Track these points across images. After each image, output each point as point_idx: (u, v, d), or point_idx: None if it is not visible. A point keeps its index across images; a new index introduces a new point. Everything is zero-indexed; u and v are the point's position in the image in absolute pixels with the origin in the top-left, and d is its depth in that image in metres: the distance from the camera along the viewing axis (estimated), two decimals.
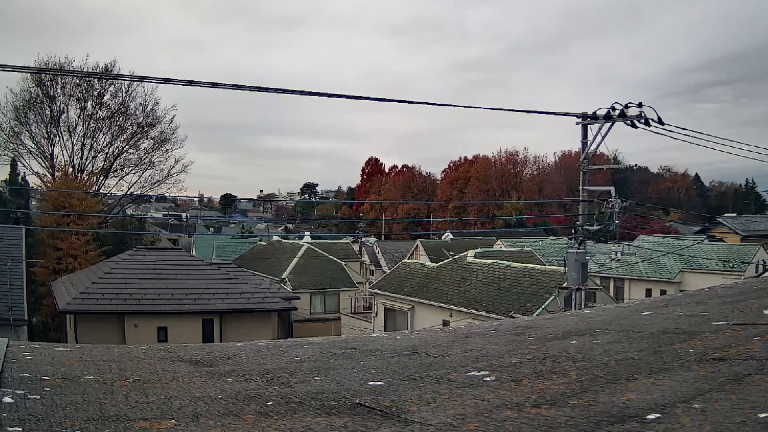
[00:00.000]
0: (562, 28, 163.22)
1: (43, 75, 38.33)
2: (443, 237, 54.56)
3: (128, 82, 40.78)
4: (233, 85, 9.44)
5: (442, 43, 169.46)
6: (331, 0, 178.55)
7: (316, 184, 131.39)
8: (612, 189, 16.95)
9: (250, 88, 9.40)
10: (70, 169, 40.82)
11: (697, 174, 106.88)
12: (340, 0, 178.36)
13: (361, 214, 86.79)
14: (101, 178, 42.97)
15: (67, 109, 41.29)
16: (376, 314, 28.42)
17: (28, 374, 3.32)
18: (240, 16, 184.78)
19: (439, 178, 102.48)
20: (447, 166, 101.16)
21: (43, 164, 41.45)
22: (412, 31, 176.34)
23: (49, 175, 40.92)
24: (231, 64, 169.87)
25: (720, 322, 5.41)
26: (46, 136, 41.06)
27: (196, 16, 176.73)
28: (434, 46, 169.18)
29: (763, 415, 2.73)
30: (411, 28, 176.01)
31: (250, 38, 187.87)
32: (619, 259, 40.78)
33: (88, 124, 41.73)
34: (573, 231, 17.37)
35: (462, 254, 28.28)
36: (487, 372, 3.83)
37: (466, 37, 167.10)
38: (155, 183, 44.49)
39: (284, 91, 9.53)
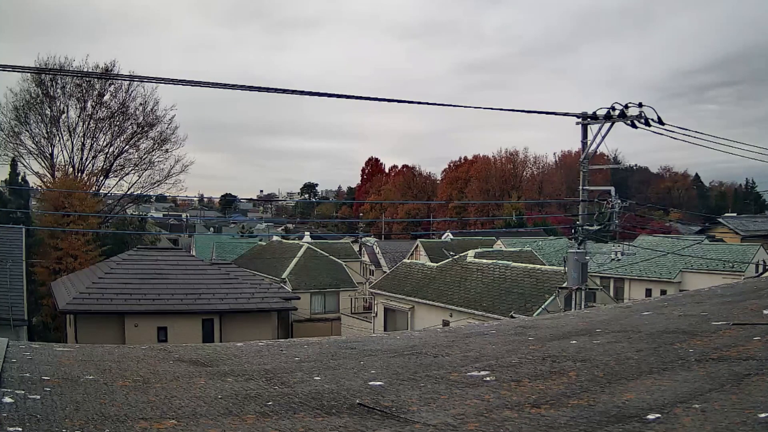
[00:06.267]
0: (572, 31, 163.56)
1: (43, 75, 38.32)
2: (443, 237, 54.53)
3: (128, 82, 40.80)
4: (233, 85, 9.43)
5: (454, 45, 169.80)
6: (345, 2, 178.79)
7: (316, 184, 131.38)
8: (612, 189, 16.94)
9: (251, 88, 9.40)
10: (70, 169, 40.80)
11: (697, 174, 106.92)
12: (355, 2, 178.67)
13: (361, 214, 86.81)
14: (101, 178, 42.96)
15: (67, 109, 41.32)
16: (376, 314, 28.41)
17: (28, 374, 3.32)
18: (254, 19, 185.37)
19: (439, 178, 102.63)
20: (447, 166, 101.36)
21: (43, 164, 41.48)
22: (425, 34, 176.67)
23: (49, 175, 40.89)
24: (243, 66, 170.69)
25: (720, 322, 5.41)
26: (46, 136, 41.06)
27: (210, 19, 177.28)
28: (446, 49, 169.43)
29: (763, 415, 2.73)
30: (424, 30, 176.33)
31: (263, 40, 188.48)
32: (619, 259, 40.80)
33: (88, 124, 41.73)
34: (573, 231, 17.36)
35: (462, 254, 28.26)
36: (487, 372, 3.83)
37: (478, 39, 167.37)
38: (155, 183, 44.50)
39: (284, 91, 9.53)
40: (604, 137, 15.52)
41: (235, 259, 40.44)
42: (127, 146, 43.39)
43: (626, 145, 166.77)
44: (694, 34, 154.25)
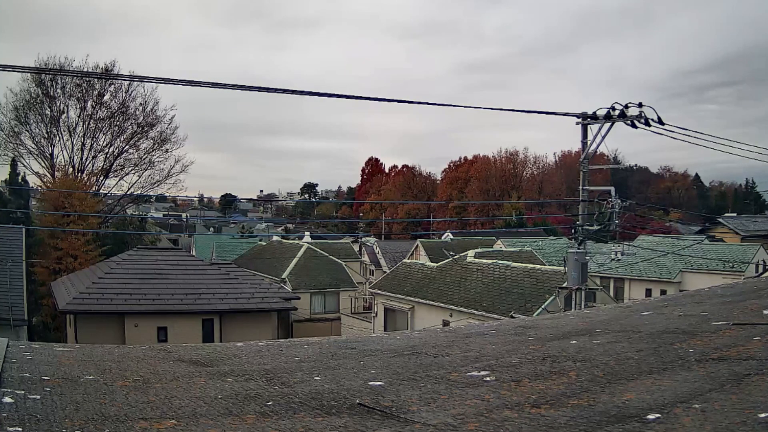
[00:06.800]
0: (572, 31, 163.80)
1: (43, 75, 38.32)
2: (443, 237, 54.53)
3: (128, 82, 40.80)
4: (233, 85, 9.43)
5: (454, 45, 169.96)
6: (345, 2, 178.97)
7: (316, 184, 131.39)
8: (612, 189, 16.94)
9: (251, 88, 9.40)
10: (70, 169, 40.81)
11: (697, 174, 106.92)
12: (355, 2, 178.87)
13: (361, 214, 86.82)
14: (101, 178, 42.97)
15: (67, 109, 41.32)
16: (376, 314, 28.41)
17: (28, 374, 3.31)
18: (254, 19, 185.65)
19: (439, 178, 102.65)
20: (447, 166, 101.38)
21: (43, 164, 41.48)
22: (425, 34, 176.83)
23: (49, 175, 40.90)
24: (243, 66, 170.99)
25: (720, 322, 5.41)
26: (46, 136, 41.07)
27: (210, 19, 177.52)
28: (446, 49, 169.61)
29: (763, 415, 2.73)
30: (424, 30, 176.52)
31: (263, 40, 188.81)
32: (619, 259, 40.79)
33: (88, 124, 41.74)
34: (573, 231, 17.36)
35: (462, 254, 28.26)
36: (487, 372, 3.83)
37: (478, 39, 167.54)
38: (155, 183, 44.51)
39: (284, 91, 9.53)
40: (604, 137, 15.53)
41: (235, 259, 40.44)
42: (127, 146, 43.44)
43: (626, 145, 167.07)
44: (694, 34, 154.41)
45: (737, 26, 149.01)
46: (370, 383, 3.56)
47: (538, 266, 25.44)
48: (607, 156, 66.42)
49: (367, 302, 36.91)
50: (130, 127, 43.32)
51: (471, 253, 28.29)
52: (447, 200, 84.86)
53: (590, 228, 16.62)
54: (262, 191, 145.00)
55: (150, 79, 11.16)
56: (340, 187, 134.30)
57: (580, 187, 16.55)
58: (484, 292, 23.58)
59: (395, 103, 10.78)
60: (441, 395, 3.29)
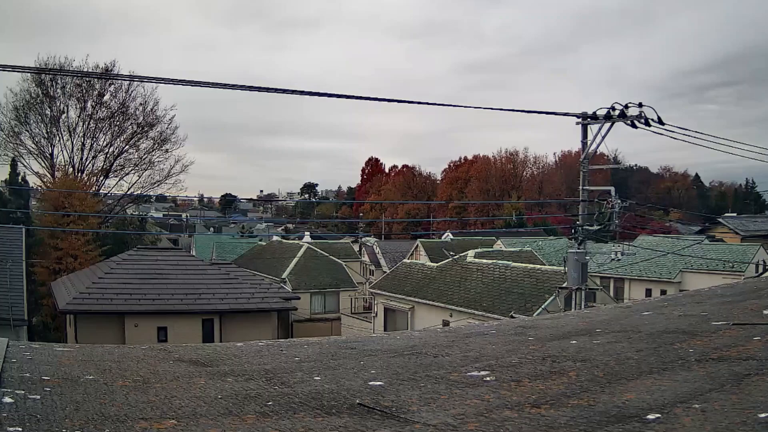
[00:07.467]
0: (572, 31, 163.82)
1: (43, 75, 38.32)
2: (443, 237, 54.51)
3: (128, 82, 40.81)
4: (233, 85, 9.43)
5: (454, 45, 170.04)
6: (345, 2, 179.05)
7: (316, 184, 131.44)
8: (612, 189, 16.95)
9: (251, 88, 9.40)
10: (70, 169, 40.81)
11: (697, 174, 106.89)
12: (355, 2, 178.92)
13: (361, 214, 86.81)
14: (101, 178, 42.97)
15: (67, 109, 41.33)
16: (376, 314, 28.41)
17: (28, 374, 3.31)
18: (254, 19, 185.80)
19: (439, 178, 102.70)
20: (447, 166, 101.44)
21: (43, 164, 41.49)
22: (425, 34, 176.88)
23: (49, 175, 40.91)
24: (243, 66, 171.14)
25: (720, 322, 5.41)
26: (46, 136, 41.08)
27: (210, 19, 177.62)
28: (446, 49, 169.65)
29: (763, 415, 2.73)
30: (424, 30, 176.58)
31: (263, 40, 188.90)
32: (619, 259, 40.79)
33: (88, 124, 41.74)
34: (573, 231, 17.36)
35: (462, 254, 28.26)
36: (487, 372, 3.83)
37: (478, 39, 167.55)
38: (155, 183, 44.51)
39: (284, 91, 9.54)
40: (604, 137, 15.53)
41: (235, 259, 40.43)
42: (127, 146, 43.44)
43: (626, 145, 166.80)
44: (694, 34, 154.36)
45: (737, 26, 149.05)
46: (370, 383, 3.56)
47: (538, 266, 25.43)
48: (607, 156, 66.34)
49: (367, 302, 36.91)
50: (130, 127, 43.38)
51: (471, 253, 28.29)
52: (447, 200, 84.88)
53: (590, 228, 16.62)
54: (262, 191, 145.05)
55: (150, 79, 11.17)
56: (340, 187, 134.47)
57: (580, 187, 16.55)
58: (484, 292, 23.57)
59: (395, 103, 10.79)
60: (441, 395, 3.29)
